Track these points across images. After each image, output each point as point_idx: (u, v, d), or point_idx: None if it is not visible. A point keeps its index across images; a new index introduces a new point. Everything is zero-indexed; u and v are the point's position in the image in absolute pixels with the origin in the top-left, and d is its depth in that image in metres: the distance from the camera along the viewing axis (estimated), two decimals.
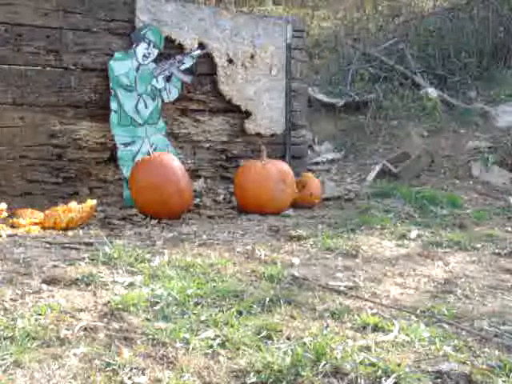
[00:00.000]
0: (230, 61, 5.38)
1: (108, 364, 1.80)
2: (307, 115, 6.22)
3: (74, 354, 1.85)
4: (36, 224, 3.86)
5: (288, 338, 2.07)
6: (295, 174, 5.05)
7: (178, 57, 5.12)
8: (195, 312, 2.26)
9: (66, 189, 4.71)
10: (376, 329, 2.21)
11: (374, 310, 2.42)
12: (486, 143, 6.80)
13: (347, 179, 6.36)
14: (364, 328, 2.22)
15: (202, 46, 5.22)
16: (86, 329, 2.05)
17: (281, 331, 2.12)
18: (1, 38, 4.44)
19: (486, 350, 2.07)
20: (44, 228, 3.83)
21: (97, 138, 4.82)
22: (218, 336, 2.04)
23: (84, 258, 2.90)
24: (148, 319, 2.18)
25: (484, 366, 1.91)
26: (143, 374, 1.77)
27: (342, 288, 2.71)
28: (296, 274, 2.85)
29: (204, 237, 3.69)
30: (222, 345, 1.99)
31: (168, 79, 5.08)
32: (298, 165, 5.66)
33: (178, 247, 3.34)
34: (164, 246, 3.36)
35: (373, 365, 1.85)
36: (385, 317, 2.34)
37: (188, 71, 5.17)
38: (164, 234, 3.80)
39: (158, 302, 2.33)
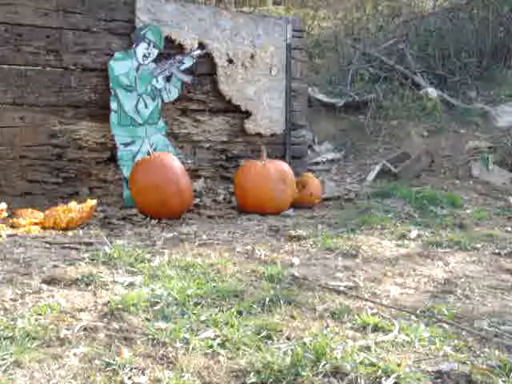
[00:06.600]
0: (230, 61, 5.38)
1: (108, 364, 1.80)
2: (307, 115, 6.22)
3: (74, 354, 1.85)
4: (36, 224, 3.86)
5: (288, 338, 2.07)
6: (295, 173, 5.05)
7: (178, 57, 5.12)
8: (195, 312, 2.25)
9: (66, 189, 4.72)
10: (376, 329, 2.21)
11: (374, 310, 2.42)
12: (486, 143, 6.80)
13: (347, 179, 6.36)
14: (364, 328, 2.21)
15: (201, 45, 5.22)
16: (85, 329, 2.05)
17: (281, 331, 2.12)
18: (1, 38, 4.44)
19: (486, 349, 2.06)
20: (44, 228, 3.83)
21: (97, 138, 4.82)
22: (218, 336, 2.04)
23: (84, 258, 2.90)
24: (148, 319, 2.17)
25: (484, 366, 1.90)
26: (143, 374, 1.77)
27: (341, 288, 2.71)
28: (296, 273, 2.85)
29: (204, 237, 3.69)
30: (222, 345, 1.99)
31: (168, 79, 5.08)
32: (297, 165, 5.67)
33: (178, 247, 3.34)
34: (164, 246, 3.36)
35: (373, 365, 1.85)
36: (385, 317, 2.33)
37: (188, 71, 5.18)
38: (164, 233, 3.80)
39: (158, 302, 2.33)
